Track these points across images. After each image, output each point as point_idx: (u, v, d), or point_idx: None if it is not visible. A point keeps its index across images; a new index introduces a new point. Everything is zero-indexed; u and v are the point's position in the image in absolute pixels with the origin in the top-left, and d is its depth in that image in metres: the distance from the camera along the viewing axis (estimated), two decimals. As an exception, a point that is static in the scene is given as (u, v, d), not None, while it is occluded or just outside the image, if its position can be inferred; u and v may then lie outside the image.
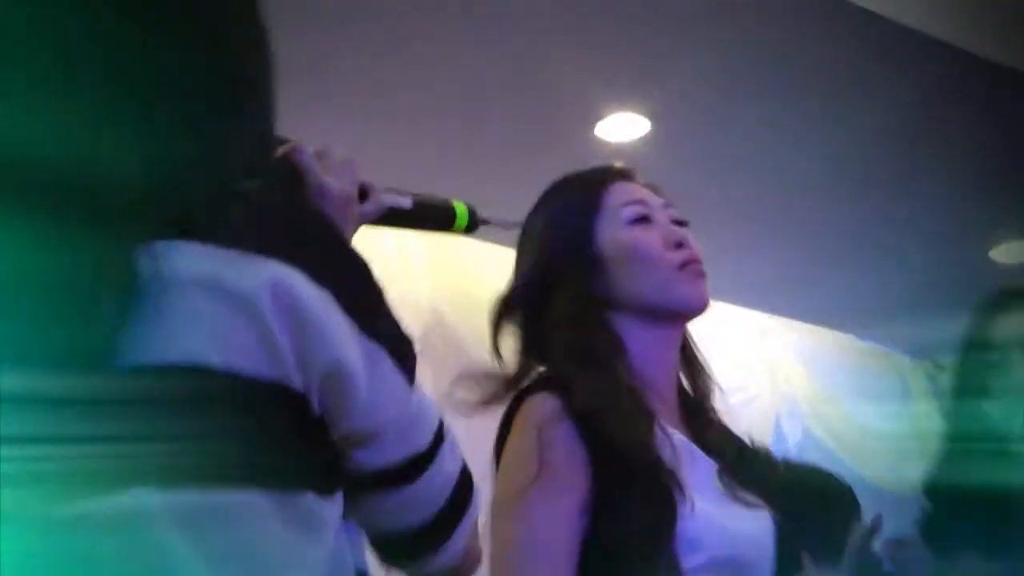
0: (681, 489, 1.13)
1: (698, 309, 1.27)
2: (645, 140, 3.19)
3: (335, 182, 1.04)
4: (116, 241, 0.70)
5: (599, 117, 3.12)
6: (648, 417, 1.19)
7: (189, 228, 0.72)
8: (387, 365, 0.81)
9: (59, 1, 0.74)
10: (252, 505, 0.73)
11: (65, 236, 0.69)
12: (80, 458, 0.67)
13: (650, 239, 1.29)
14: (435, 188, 1.22)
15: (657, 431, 1.17)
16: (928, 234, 3.75)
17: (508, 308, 1.31)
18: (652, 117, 3.11)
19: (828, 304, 4.18)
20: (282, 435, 0.76)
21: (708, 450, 1.25)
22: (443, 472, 0.87)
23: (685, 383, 1.35)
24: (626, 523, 1.13)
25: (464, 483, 0.90)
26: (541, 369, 1.29)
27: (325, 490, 0.78)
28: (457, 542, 0.89)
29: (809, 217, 3.58)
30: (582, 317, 1.26)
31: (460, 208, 1.25)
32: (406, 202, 1.21)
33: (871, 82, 2.99)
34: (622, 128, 3.17)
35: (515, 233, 1.37)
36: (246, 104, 0.82)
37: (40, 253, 0.67)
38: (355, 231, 1.09)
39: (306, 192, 1.02)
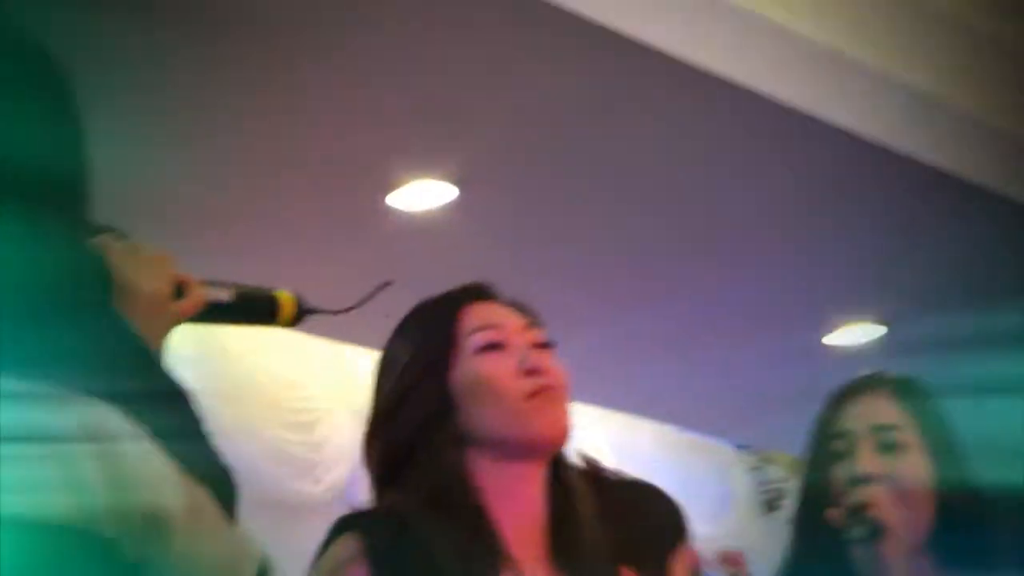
0: None
1: (552, 439, 1.29)
2: (451, 207, 3.13)
3: (145, 283, 1.09)
4: None
5: (395, 186, 3.08)
6: (492, 561, 1.24)
7: None
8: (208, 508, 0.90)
9: None
10: None
11: None
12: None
13: (498, 368, 1.32)
14: (229, 270, 1.26)
15: None
16: (758, 320, 3.81)
17: (368, 440, 1.36)
18: (458, 183, 3.05)
19: (648, 394, 4.21)
20: None
21: None
22: None
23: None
24: None
25: None
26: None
27: None
28: None
29: (630, 298, 3.57)
30: (435, 455, 1.30)
31: (285, 298, 1.27)
32: (225, 296, 1.24)
33: (699, 162, 3.04)
34: (423, 196, 3.11)
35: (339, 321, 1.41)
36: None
37: None
38: (169, 332, 1.13)
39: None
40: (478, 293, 1.41)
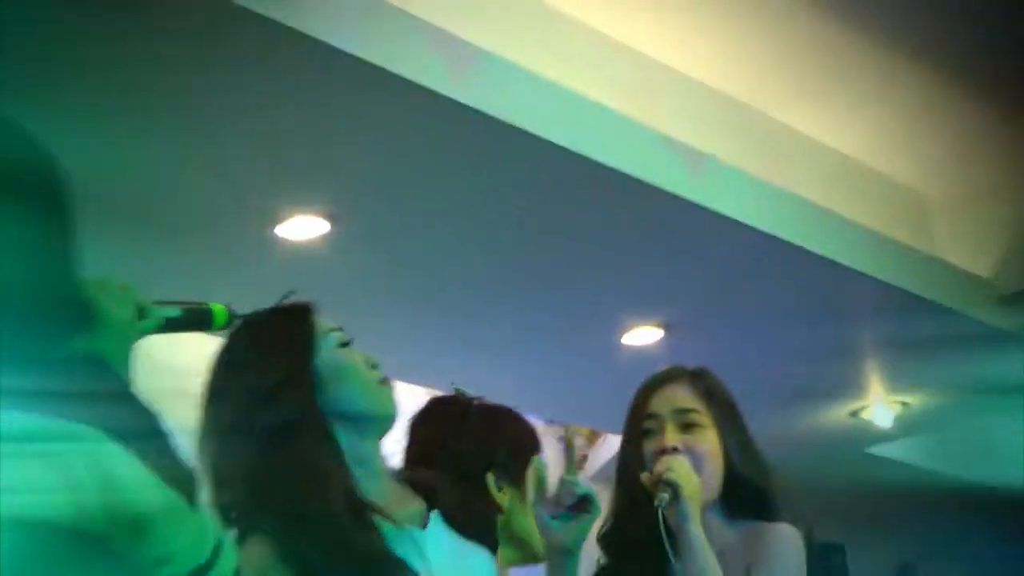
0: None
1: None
2: (325, 239, 3.44)
3: (116, 310, 1.21)
4: None
5: (280, 219, 3.33)
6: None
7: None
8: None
9: None
10: None
11: None
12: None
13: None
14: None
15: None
16: (568, 325, 4.23)
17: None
18: (330, 218, 3.36)
19: (480, 383, 4.50)
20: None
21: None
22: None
23: None
24: None
25: None
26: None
27: None
28: None
29: (471, 310, 4.02)
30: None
31: (218, 309, 1.47)
32: (175, 312, 1.41)
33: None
34: (302, 229, 3.40)
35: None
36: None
37: None
38: (134, 344, 1.25)
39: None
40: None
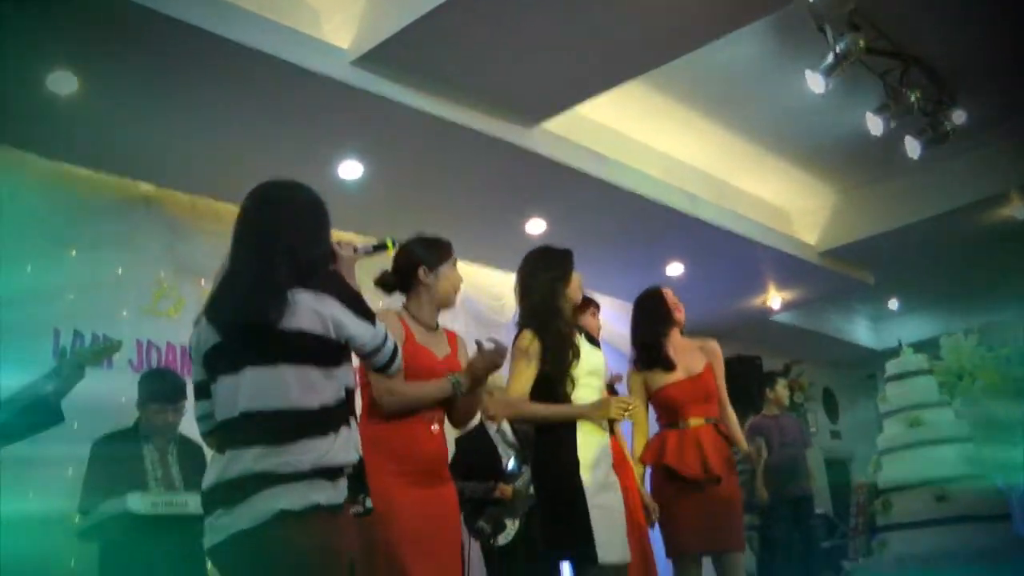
0: None
1: None
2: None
3: (343, 251, 2.78)
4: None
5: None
6: None
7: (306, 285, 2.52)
8: (364, 323, 2.61)
9: None
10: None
11: None
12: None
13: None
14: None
15: None
16: None
17: None
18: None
19: None
20: (324, 352, 2.55)
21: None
22: (388, 348, 2.75)
23: None
24: None
25: (396, 351, 2.77)
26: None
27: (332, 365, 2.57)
28: (394, 369, 2.82)
29: None
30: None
31: (388, 240, 3.14)
32: (370, 247, 2.97)
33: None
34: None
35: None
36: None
37: None
38: (353, 266, 2.80)
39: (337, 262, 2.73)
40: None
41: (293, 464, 2.37)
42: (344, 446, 2.48)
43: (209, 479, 2.49)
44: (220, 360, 2.54)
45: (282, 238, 2.56)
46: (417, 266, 3.61)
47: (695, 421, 4.52)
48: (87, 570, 4.71)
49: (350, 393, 2.60)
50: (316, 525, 2.37)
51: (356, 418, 2.65)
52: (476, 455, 5.60)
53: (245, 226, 2.63)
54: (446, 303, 3.68)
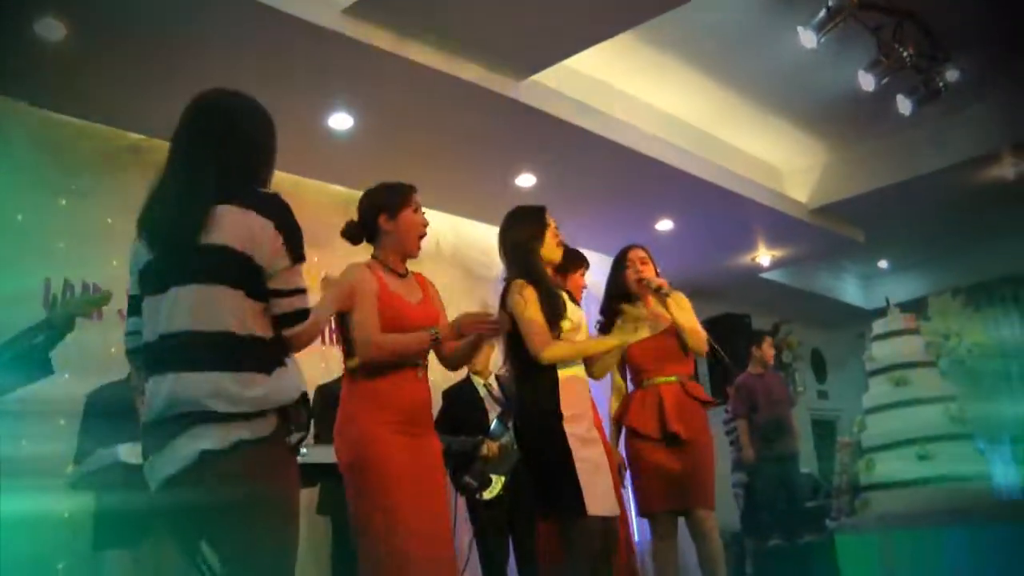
0: None
1: None
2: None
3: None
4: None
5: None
6: None
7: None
8: (284, 259, 2.38)
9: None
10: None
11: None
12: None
13: None
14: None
15: None
16: None
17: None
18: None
19: None
20: (252, 277, 2.35)
21: None
22: (292, 301, 2.43)
23: None
24: None
25: (303, 313, 2.45)
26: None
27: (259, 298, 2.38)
28: (293, 330, 2.41)
29: None
30: None
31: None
32: None
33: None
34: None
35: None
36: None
37: None
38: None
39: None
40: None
41: (222, 399, 2.25)
42: (279, 384, 2.34)
43: (143, 418, 2.38)
44: (150, 278, 2.42)
45: (212, 148, 2.41)
46: (379, 214, 3.60)
47: (659, 379, 4.56)
48: (80, 520, 4.75)
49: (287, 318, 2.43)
50: (240, 463, 2.25)
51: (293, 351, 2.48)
52: (463, 408, 5.64)
53: (178, 134, 2.49)
54: (410, 249, 3.66)
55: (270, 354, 2.36)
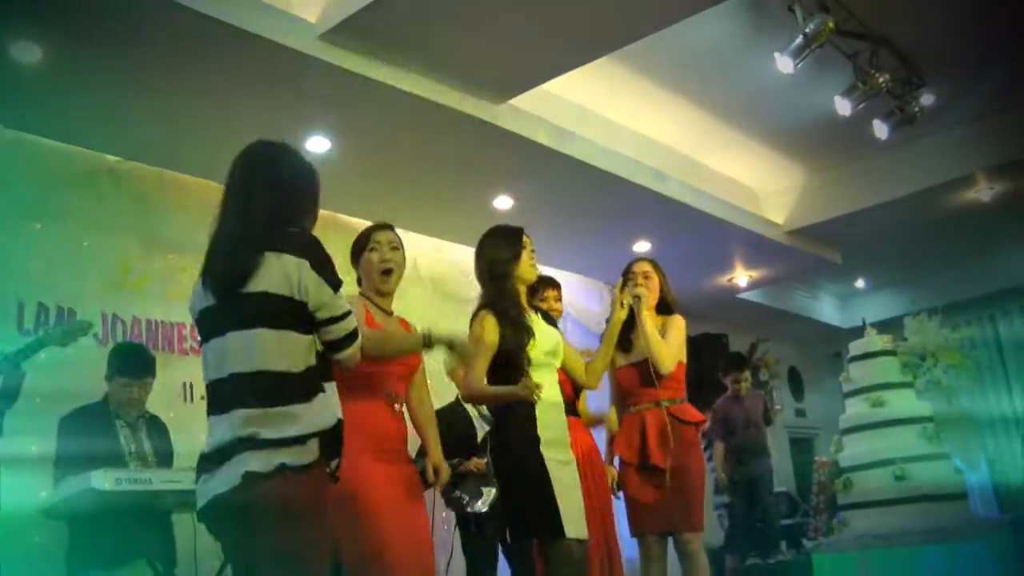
0: None
1: None
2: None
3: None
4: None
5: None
6: None
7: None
8: (326, 289, 2.57)
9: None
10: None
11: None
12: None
13: None
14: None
15: None
16: None
17: None
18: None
19: None
20: (295, 313, 2.56)
21: None
22: (344, 326, 2.65)
23: None
24: None
25: (354, 335, 2.69)
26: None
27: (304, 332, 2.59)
28: (346, 354, 2.69)
29: None
30: None
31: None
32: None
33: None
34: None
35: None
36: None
37: None
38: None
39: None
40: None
41: (268, 429, 2.43)
42: (319, 411, 2.52)
43: (204, 448, 2.55)
44: (207, 322, 2.60)
45: (260, 198, 2.58)
46: (352, 259, 3.84)
47: (644, 406, 4.58)
48: (53, 545, 4.71)
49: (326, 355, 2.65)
50: (281, 485, 2.41)
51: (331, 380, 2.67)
52: (453, 428, 5.65)
53: (229, 186, 2.66)
54: (376, 287, 3.78)
55: (311, 383, 2.55)
